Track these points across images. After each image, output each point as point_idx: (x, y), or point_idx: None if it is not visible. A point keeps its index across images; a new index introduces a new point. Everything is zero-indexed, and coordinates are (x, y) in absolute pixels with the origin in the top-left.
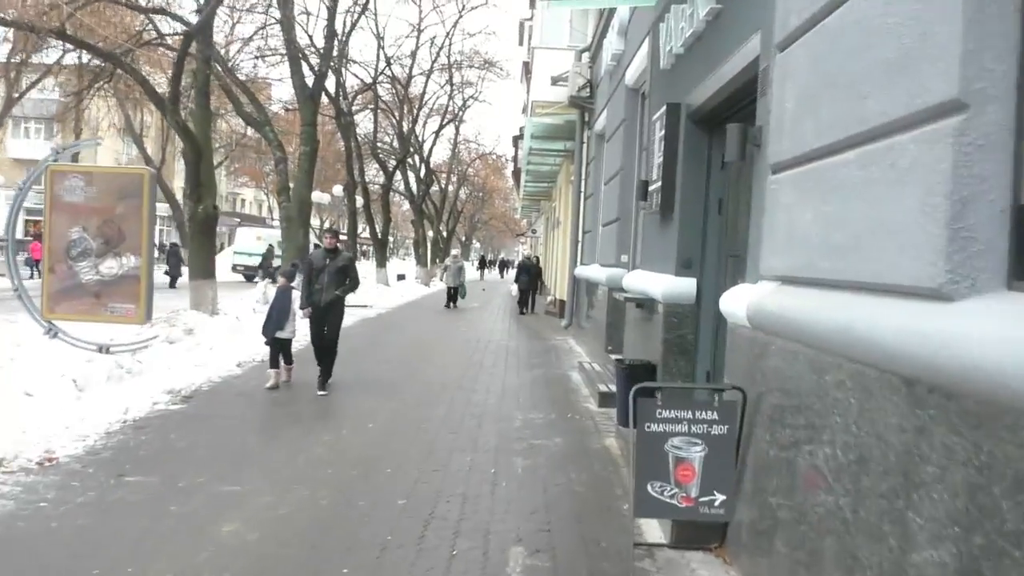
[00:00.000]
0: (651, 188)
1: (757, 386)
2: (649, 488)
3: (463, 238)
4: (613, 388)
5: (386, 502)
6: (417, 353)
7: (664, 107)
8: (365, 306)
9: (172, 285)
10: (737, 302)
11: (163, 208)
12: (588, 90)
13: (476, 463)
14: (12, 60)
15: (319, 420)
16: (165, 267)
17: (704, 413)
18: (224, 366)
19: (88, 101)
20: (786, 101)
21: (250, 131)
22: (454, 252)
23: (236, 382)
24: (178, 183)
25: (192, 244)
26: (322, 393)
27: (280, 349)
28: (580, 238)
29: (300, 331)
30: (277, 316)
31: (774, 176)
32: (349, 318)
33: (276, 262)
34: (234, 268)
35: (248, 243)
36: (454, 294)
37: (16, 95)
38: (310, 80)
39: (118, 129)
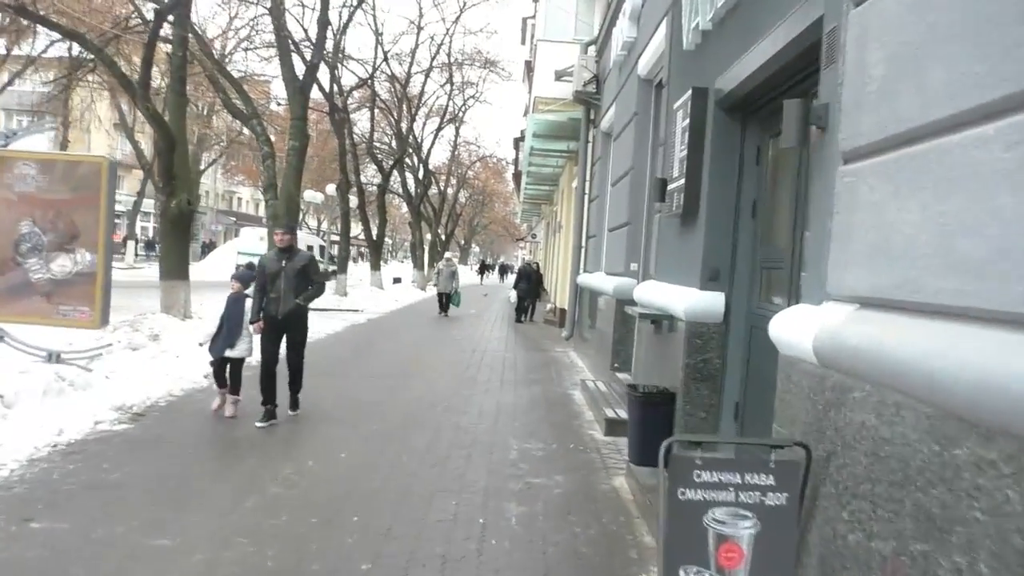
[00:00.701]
0: (671, 187)
1: (828, 443)
2: (682, 574)
3: (462, 241)
4: (621, 414)
5: (346, 566)
6: (405, 366)
7: (688, 92)
8: (356, 310)
9: None
10: (796, 328)
11: (150, 204)
12: (594, 85)
13: (462, 510)
14: None
15: (282, 447)
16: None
17: (756, 476)
18: (189, 377)
19: (74, 91)
20: (869, 67)
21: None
22: (447, 255)
23: (199, 396)
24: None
25: (163, 242)
26: (293, 413)
27: (229, 371)
28: (583, 244)
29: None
30: (228, 330)
31: (849, 166)
32: (338, 323)
33: None
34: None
35: (252, 243)
36: (446, 301)
37: None
38: (302, 73)
39: (100, 121)
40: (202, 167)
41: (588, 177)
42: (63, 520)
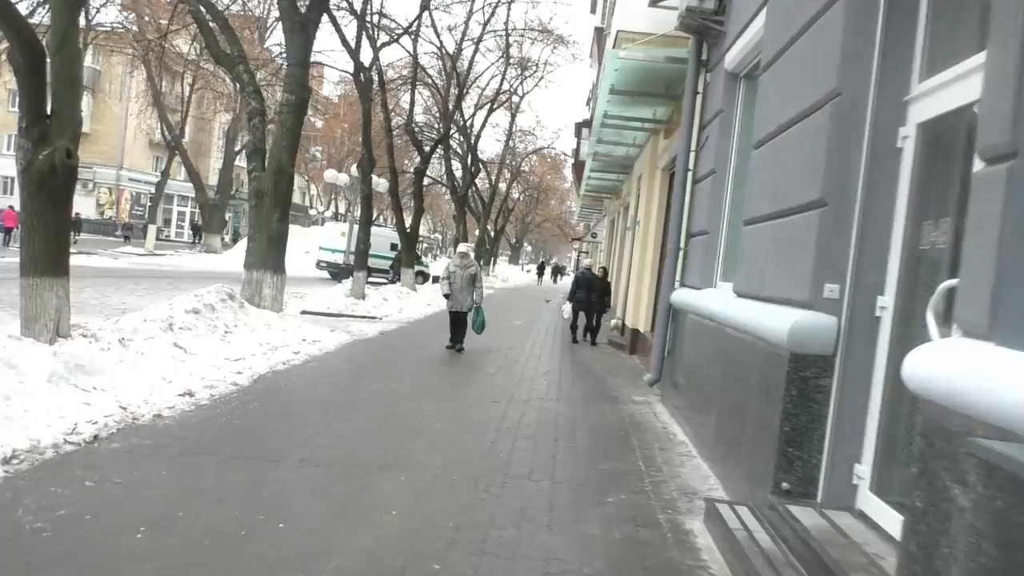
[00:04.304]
0: None
1: None
2: None
3: (513, 240)
4: None
5: None
6: (391, 434)
7: None
8: (373, 318)
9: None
10: None
11: (188, 188)
12: (714, 2)
13: None
14: None
15: None
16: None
17: None
18: None
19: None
20: None
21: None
22: (462, 248)
23: None
24: (214, 163)
25: (26, 211)
26: None
27: None
28: (682, 244)
29: None
30: None
31: None
32: (337, 337)
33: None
34: (318, 264)
35: (334, 238)
36: (463, 324)
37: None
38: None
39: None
40: (237, 148)
41: (695, 146)
42: None
